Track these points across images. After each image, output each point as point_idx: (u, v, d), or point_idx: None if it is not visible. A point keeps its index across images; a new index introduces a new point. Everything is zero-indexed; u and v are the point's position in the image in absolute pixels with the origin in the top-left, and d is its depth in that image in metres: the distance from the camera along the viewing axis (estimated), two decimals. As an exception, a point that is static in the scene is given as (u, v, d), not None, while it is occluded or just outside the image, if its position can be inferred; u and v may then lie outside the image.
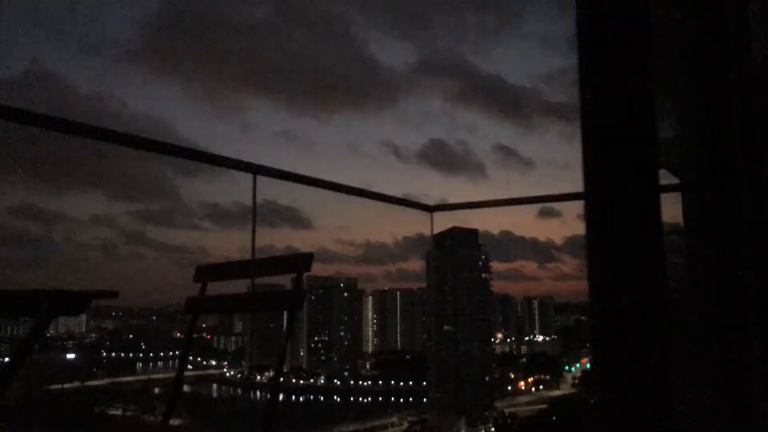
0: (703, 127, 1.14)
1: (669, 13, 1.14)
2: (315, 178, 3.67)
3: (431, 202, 4.54)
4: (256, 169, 3.08)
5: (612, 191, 0.72)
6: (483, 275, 44.49)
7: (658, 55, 0.84)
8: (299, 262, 1.97)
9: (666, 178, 1.02)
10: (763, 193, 1.17)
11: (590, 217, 0.74)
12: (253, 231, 3.09)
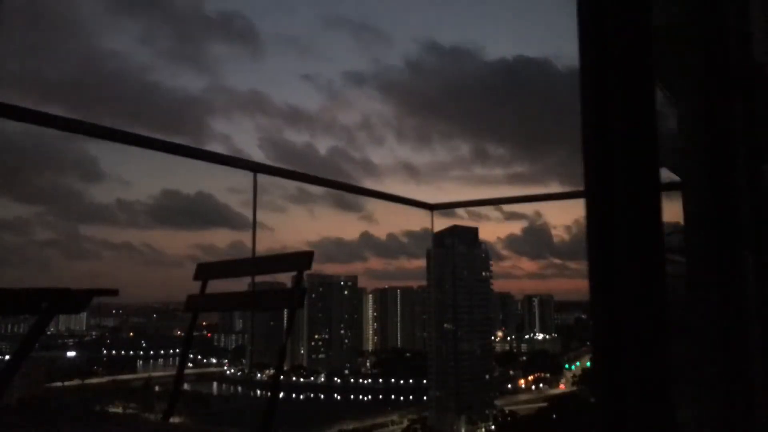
0: (703, 126, 1.14)
1: (669, 13, 1.14)
2: (315, 176, 3.67)
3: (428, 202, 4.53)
4: (256, 167, 3.08)
5: (612, 190, 0.72)
6: (483, 273, 44.46)
7: (658, 54, 0.84)
8: (299, 260, 1.97)
9: (666, 177, 1.02)
10: (763, 192, 1.17)
11: (591, 216, 0.74)
12: (254, 229, 3.09)
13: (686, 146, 1.25)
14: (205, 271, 2.25)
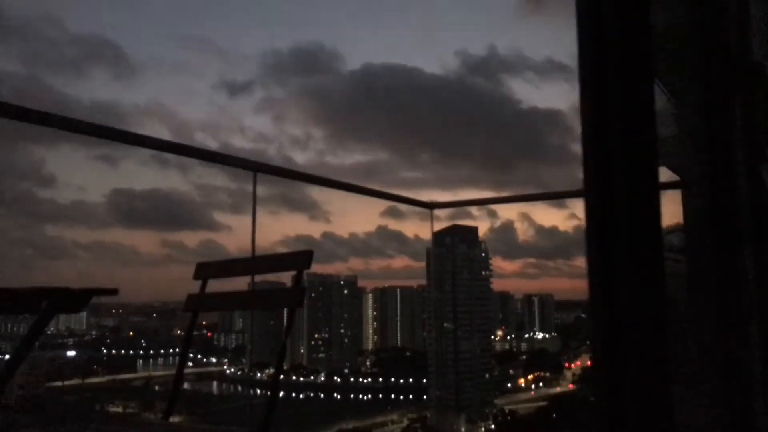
0: (703, 126, 1.15)
1: (669, 13, 1.14)
2: (314, 176, 3.68)
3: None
4: (256, 167, 3.08)
5: (612, 189, 0.72)
6: (483, 272, 44.46)
7: (658, 54, 0.84)
8: (299, 259, 1.97)
9: (666, 177, 1.02)
10: (763, 192, 1.17)
11: (590, 215, 0.74)
12: (253, 228, 3.09)
13: (686, 146, 1.25)
14: (205, 270, 2.25)
